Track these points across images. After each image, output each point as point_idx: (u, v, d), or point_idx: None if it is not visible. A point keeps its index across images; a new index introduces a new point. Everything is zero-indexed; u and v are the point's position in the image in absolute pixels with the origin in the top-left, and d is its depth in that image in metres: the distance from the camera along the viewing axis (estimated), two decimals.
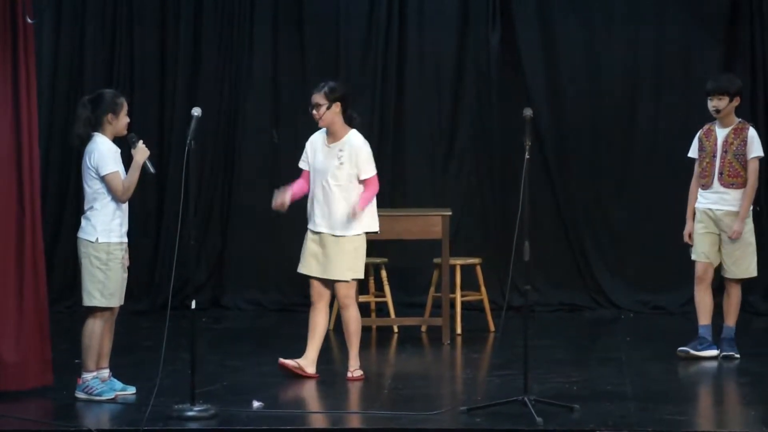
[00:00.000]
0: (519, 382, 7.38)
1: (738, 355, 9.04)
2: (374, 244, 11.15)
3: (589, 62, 11.53)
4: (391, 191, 11.58)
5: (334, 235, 8.35)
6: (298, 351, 8.98)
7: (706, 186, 9.12)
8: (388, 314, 10.43)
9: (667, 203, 11.38)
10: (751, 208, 9.08)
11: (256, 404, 7.44)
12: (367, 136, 11.51)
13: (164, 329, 7.41)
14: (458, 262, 10.29)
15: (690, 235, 9.23)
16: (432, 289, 10.38)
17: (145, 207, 11.61)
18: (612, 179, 11.54)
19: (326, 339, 10.10)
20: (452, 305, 10.08)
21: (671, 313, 11.24)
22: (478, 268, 10.42)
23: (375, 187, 8.39)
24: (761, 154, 9.09)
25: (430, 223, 9.84)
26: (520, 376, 7.36)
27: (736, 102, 9.08)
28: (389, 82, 11.62)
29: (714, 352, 9.03)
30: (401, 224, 9.89)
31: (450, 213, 9.96)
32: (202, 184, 11.62)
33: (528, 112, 7.66)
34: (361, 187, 8.36)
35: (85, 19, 11.65)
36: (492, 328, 10.41)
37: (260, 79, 11.66)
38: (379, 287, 10.57)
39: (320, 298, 8.43)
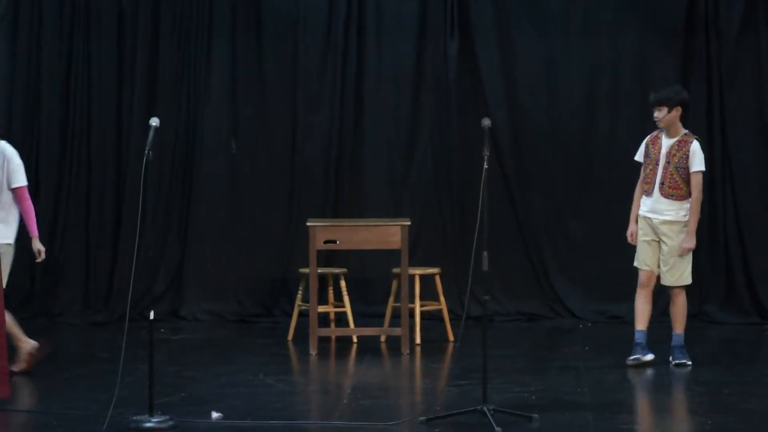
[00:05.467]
0: (478, 392, 7.40)
1: (690, 363, 9.12)
2: (333, 255, 11.21)
3: (547, 73, 11.58)
4: (350, 201, 11.60)
5: None
6: (257, 362, 8.98)
7: (648, 192, 9.25)
8: (347, 324, 10.43)
9: (625, 213, 11.39)
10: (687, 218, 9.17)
11: (215, 415, 7.42)
12: (325, 146, 11.65)
13: (122, 340, 7.39)
14: (417, 272, 10.31)
15: (633, 235, 9.35)
16: (391, 299, 10.39)
17: (103, 218, 11.57)
18: (570, 189, 11.59)
19: (286, 348, 10.11)
20: (411, 315, 10.09)
21: (628, 322, 11.23)
22: (437, 278, 10.44)
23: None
24: (702, 168, 9.18)
25: (388, 233, 9.85)
26: (479, 385, 7.38)
27: (677, 112, 9.15)
28: (348, 92, 11.62)
29: (650, 357, 9.19)
30: (360, 234, 9.90)
31: (409, 223, 9.98)
32: (161, 194, 11.59)
33: (486, 122, 7.70)
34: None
35: (42, 30, 11.59)
36: (451, 337, 10.43)
37: (218, 90, 11.63)
38: (338, 297, 10.57)
39: None
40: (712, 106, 11.36)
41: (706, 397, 8.02)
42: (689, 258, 9.23)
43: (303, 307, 10.37)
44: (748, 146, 11.38)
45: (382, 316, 10.51)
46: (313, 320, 9.82)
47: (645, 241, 9.23)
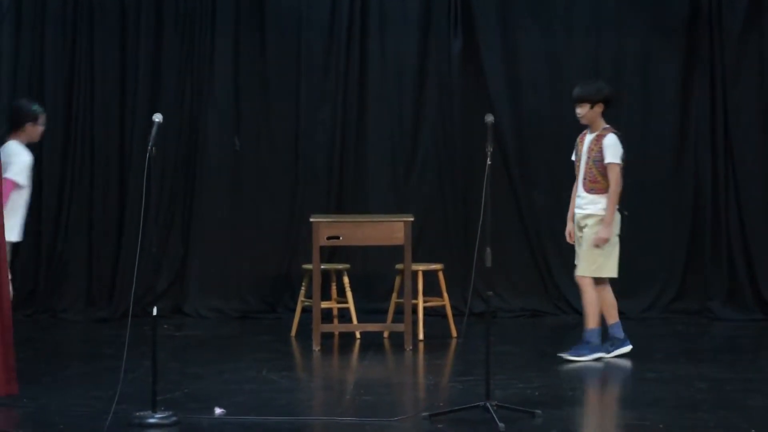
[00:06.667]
0: (481, 388, 7.40)
1: (578, 359, 9.10)
2: (337, 251, 11.22)
3: (550, 70, 11.59)
4: (353, 197, 11.61)
5: None
6: (260, 358, 8.99)
7: (577, 189, 9.38)
8: (350, 320, 10.44)
9: (627, 209, 11.45)
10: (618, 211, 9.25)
11: (218, 411, 7.43)
12: (328, 143, 11.65)
13: (126, 337, 7.39)
14: (420, 268, 10.32)
15: (570, 235, 9.45)
16: (394, 295, 10.39)
17: (106, 214, 11.57)
18: (572, 184, 11.57)
19: (289, 345, 10.14)
20: (414, 311, 10.10)
21: (631, 318, 11.30)
22: (441, 274, 10.45)
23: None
24: (615, 160, 9.21)
25: (392, 230, 9.85)
26: (482, 381, 7.38)
27: (599, 109, 9.25)
28: (351, 89, 11.63)
29: (628, 348, 9.28)
30: (363, 230, 9.90)
31: (412, 219, 9.99)
32: (164, 191, 11.60)
33: (489, 118, 7.71)
34: None
35: (45, 26, 11.61)
36: (454, 333, 10.44)
37: (221, 86, 11.65)
38: (342, 293, 10.58)
39: None
40: (716, 103, 11.36)
41: (709, 394, 8.02)
42: (610, 251, 9.24)
43: (306, 303, 10.38)
44: (752, 143, 11.38)
45: (385, 312, 10.52)
46: (317, 316, 9.82)
47: (576, 237, 9.39)
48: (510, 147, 11.57)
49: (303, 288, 10.50)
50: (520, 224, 11.59)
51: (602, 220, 9.18)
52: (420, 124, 11.68)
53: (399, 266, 10.16)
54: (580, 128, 11.60)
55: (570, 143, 11.57)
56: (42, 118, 8.82)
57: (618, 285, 11.33)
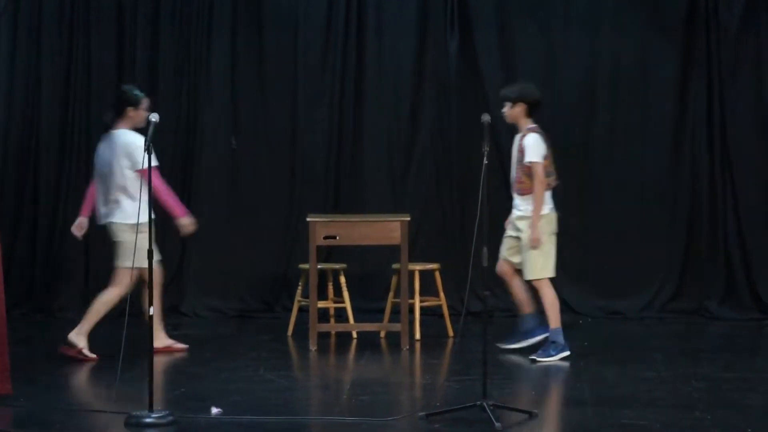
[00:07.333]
0: (478, 388, 7.39)
1: (548, 359, 9.13)
2: (333, 250, 11.21)
3: (547, 68, 11.58)
4: (350, 197, 11.60)
5: None
6: (257, 358, 8.97)
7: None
8: (346, 320, 10.43)
9: (624, 209, 11.46)
10: (550, 210, 9.37)
11: (214, 410, 7.42)
12: (326, 142, 11.64)
13: (122, 336, 7.38)
14: (417, 267, 10.31)
15: (507, 223, 9.61)
16: (391, 294, 10.39)
17: None
18: (569, 184, 11.56)
19: (286, 344, 10.13)
20: (411, 311, 10.09)
21: (628, 318, 11.30)
22: (437, 274, 10.44)
23: None
24: (535, 159, 9.29)
25: (388, 229, 9.84)
26: (479, 381, 7.37)
27: (520, 108, 9.39)
28: (348, 88, 11.62)
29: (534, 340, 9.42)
30: (360, 230, 9.89)
31: (409, 218, 9.98)
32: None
33: (486, 117, 7.70)
34: None
35: (42, 26, 11.59)
36: (451, 333, 10.43)
37: (218, 85, 11.64)
38: (338, 293, 10.57)
39: None
40: (713, 103, 11.35)
41: (706, 393, 8.02)
42: (547, 251, 9.32)
43: (303, 303, 10.37)
44: (749, 141, 11.37)
45: (382, 311, 10.51)
46: (313, 316, 9.82)
47: (508, 235, 9.51)
48: (506, 145, 11.53)
49: (300, 287, 10.49)
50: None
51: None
52: (417, 123, 11.67)
53: (396, 266, 10.15)
54: (573, 129, 11.66)
55: (567, 143, 11.61)
56: (145, 103, 9.36)
57: (615, 285, 11.40)
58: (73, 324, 9.37)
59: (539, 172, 9.26)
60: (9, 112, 11.55)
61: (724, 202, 11.34)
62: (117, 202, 9.27)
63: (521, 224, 9.35)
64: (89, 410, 7.51)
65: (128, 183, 9.24)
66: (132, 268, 8.64)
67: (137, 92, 9.39)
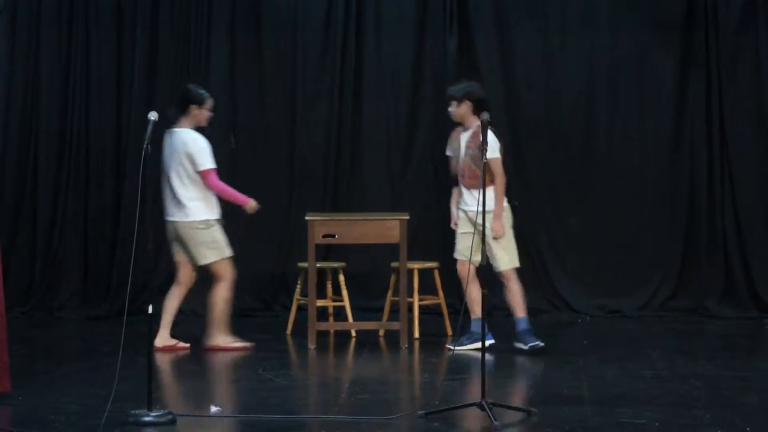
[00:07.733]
0: (476, 386, 7.40)
1: (542, 343, 9.28)
2: (332, 249, 11.21)
3: (545, 67, 11.58)
4: (349, 195, 11.60)
5: None
6: (256, 356, 8.97)
7: (457, 184, 9.61)
8: (345, 318, 10.44)
9: (624, 207, 11.47)
10: (507, 202, 9.51)
11: (213, 409, 7.42)
12: (324, 141, 11.64)
13: (121, 334, 7.39)
14: (416, 266, 10.31)
15: (454, 220, 9.69)
16: (390, 293, 10.39)
17: (102, 212, 11.56)
18: (568, 183, 11.60)
19: (285, 343, 10.15)
20: (410, 309, 10.10)
21: (628, 316, 11.31)
22: (436, 273, 10.45)
23: None
24: (496, 155, 9.38)
25: (387, 228, 9.85)
26: (478, 379, 7.38)
27: (467, 106, 9.51)
28: (347, 87, 11.62)
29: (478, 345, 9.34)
30: (359, 229, 9.89)
31: (408, 217, 9.98)
32: (159, 188, 11.56)
33: (485, 116, 7.71)
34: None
35: (40, 26, 11.59)
36: (450, 332, 10.44)
37: (217, 85, 11.63)
38: (337, 291, 10.57)
39: None
40: (711, 102, 11.36)
41: (704, 392, 8.02)
42: (507, 243, 9.47)
43: (302, 302, 10.38)
44: (747, 141, 11.38)
45: (381, 310, 10.52)
46: (312, 314, 9.82)
47: (461, 233, 9.54)
48: (505, 144, 11.54)
49: (298, 286, 10.49)
50: (515, 222, 11.56)
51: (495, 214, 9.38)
52: (415, 122, 11.67)
53: (394, 264, 10.16)
54: (575, 127, 11.66)
55: (566, 141, 11.62)
56: (209, 103, 9.58)
57: (614, 283, 11.40)
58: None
59: (500, 167, 9.41)
60: (8, 111, 11.55)
61: (723, 201, 11.35)
62: (180, 202, 9.39)
63: (480, 219, 9.34)
64: (89, 409, 7.51)
65: (191, 182, 9.31)
66: (224, 258, 9.44)
67: (203, 91, 9.58)
